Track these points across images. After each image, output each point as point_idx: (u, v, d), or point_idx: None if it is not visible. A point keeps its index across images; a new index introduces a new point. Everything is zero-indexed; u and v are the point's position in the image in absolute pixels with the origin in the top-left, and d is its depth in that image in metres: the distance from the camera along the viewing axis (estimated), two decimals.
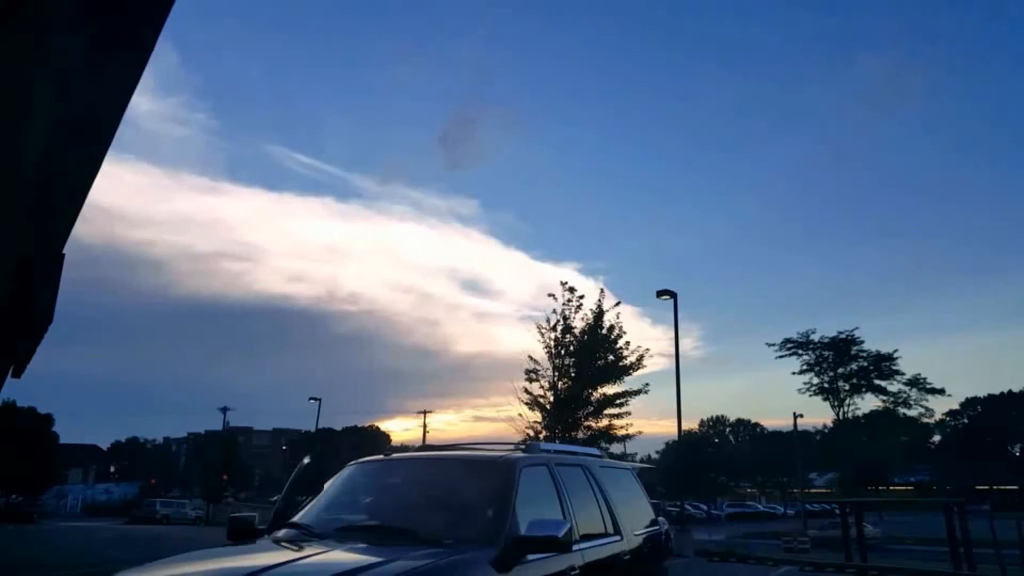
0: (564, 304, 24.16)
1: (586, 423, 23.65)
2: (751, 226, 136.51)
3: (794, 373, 44.94)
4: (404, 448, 7.51)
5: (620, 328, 23.88)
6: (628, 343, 23.83)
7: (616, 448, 24.08)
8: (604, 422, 23.72)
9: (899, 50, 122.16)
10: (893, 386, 43.48)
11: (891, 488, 72.51)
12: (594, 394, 23.57)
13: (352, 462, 5.17)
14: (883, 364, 43.18)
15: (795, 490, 69.39)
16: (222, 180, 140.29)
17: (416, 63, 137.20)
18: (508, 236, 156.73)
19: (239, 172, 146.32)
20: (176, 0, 2.84)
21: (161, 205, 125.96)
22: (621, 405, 23.69)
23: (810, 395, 44.92)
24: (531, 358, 24.09)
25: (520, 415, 23.62)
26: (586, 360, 23.46)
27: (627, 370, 23.67)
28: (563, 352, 23.89)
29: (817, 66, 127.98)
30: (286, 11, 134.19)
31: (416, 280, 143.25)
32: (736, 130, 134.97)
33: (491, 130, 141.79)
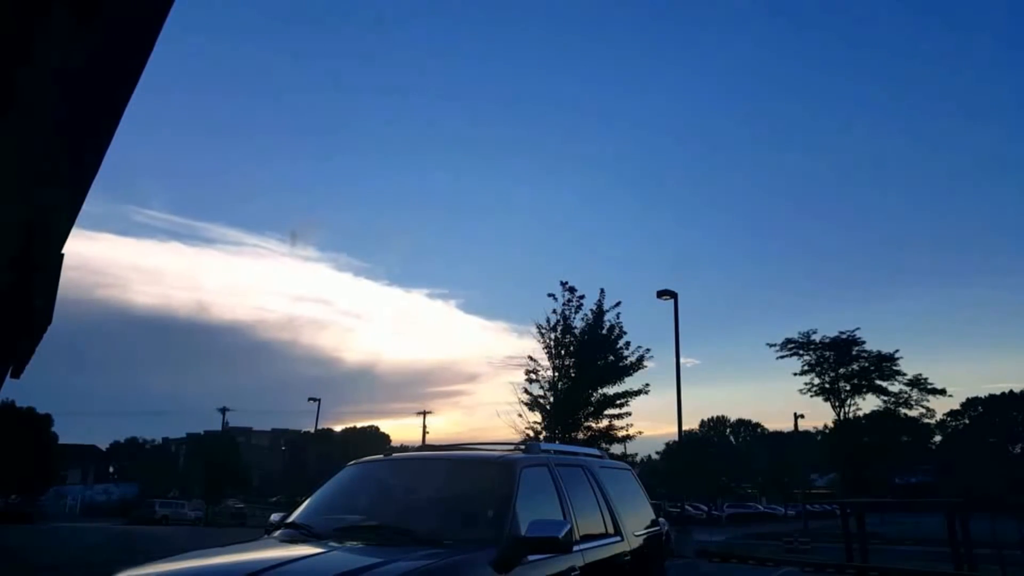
0: (564, 304, 24.15)
1: (586, 423, 23.63)
2: (750, 225, 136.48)
3: (795, 374, 44.94)
4: (403, 448, 7.50)
5: (620, 328, 23.88)
6: (628, 343, 23.84)
7: (616, 449, 24.04)
8: (604, 423, 23.71)
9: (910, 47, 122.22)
10: (894, 386, 43.49)
11: (892, 489, 72.57)
12: (594, 395, 23.55)
13: (352, 462, 5.16)
14: (884, 364, 43.15)
15: (796, 491, 69.34)
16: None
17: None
18: (351, 269, 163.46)
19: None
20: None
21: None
22: (621, 406, 23.68)
23: (811, 395, 44.91)
24: (531, 358, 24.10)
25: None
26: (586, 360, 23.44)
27: (627, 370, 23.65)
28: (563, 352, 23.87)
29: (803, 68, 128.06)
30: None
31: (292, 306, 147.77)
32: (728, 135, 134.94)
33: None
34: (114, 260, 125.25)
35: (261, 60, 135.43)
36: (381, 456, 5.20)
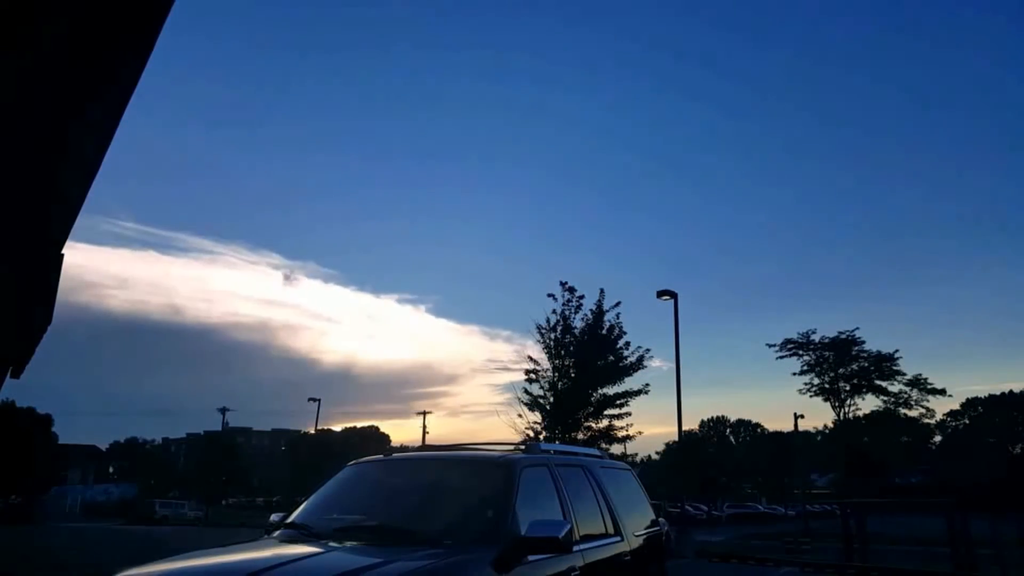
0: (564, 304, 24.13)
1: (586, 424, 23.62)
2: (750, 225, 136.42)
3: (794, 374, 44.91)
4: (403, 448, 7.50)
5: (620, 328, 23.87)
6: (628, 343, 23.82)
7: (616, 449, 24.04)
8: (604, 423, 23.69)
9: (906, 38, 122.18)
10: (894, 386, 43.47)
11: (892, 489, 72.44)
12: (594, 395, 23.54)
13: (351, 462, 5.16)
14: (884, 364, 43.13)
15: (796, 491, 69.31)
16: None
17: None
18: (321, 276, 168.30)
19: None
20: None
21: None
22: (621, 406, 23.66)
23: (810, 396, 44.87)
24: (531, 358, 24.08)
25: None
26: (586, 360, 23.42)
27: (627, 370, 23.64)
28: (563, 352, 23.85)
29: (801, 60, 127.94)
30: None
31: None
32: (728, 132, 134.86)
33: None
34: (96, 267, 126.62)
35: (227, 66, 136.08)
36: (381, 456, 5.20)
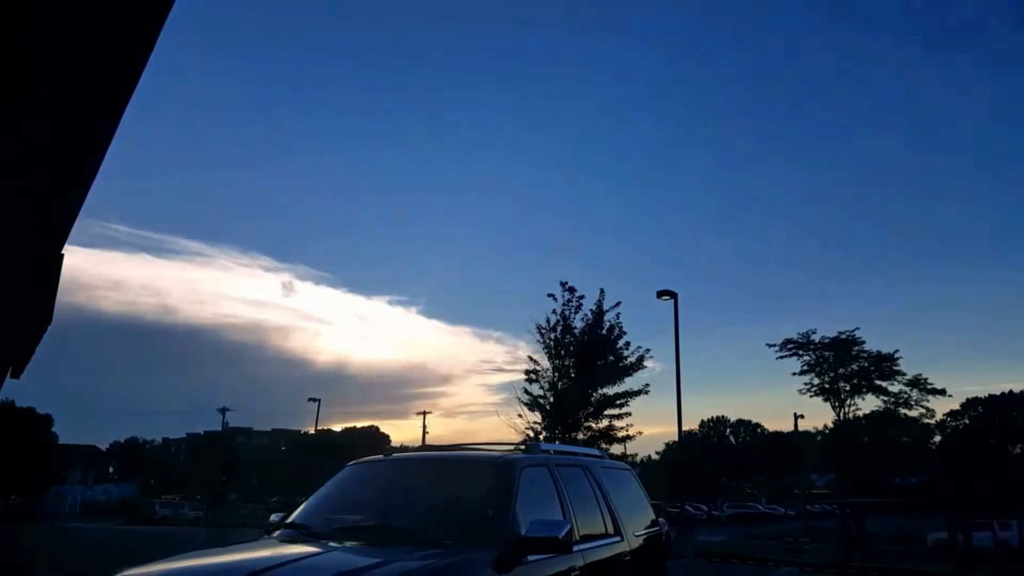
0: (564, 304, 24.15)
1: (586, 424, 23.63)
2: (749, 224, 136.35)
3: (794, 374, 44.94)
4: (403, 448, 7.51)
5: (620, 328, 23.89)
6: (628, 343, 23.84)
7: (616, 449, 24.05)
8: (604, 423, 23.71)
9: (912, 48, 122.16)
10: (894, 386, 43.51)
11: (892, 489, 72.44)
12: (594, 395, 23.55)
13: (351, 462, 5.16)
14: (884, 364, 43.15)
15: (796, 491, 69.36)
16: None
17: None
18: (312, 278, 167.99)
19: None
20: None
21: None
22: (621, 406, 23.68)
23: (811, 396, 44.90)
24: (531, 358, 24.10)
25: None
26: (586, 360, 23.44)
27: (627, 371, 23.65)
28: (563, 352, 23.86)
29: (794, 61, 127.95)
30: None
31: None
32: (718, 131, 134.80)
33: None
34: (90, 269, 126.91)
35: (222, 66, 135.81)
36: (381, 456, 5.20)
